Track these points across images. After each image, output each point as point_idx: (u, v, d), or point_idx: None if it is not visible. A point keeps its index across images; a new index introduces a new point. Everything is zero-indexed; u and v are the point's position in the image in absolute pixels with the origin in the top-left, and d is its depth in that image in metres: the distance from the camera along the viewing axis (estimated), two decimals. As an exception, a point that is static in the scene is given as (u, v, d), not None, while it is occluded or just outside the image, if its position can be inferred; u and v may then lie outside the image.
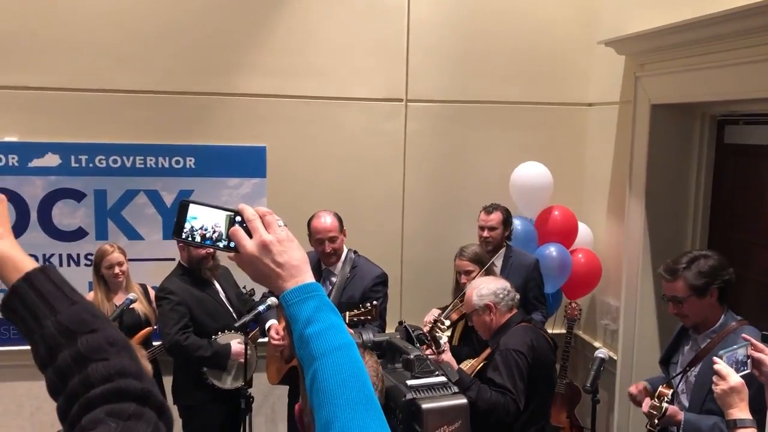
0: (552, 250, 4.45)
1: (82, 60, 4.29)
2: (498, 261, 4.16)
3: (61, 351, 0.93)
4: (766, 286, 3.76)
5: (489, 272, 3.81)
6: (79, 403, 0.90)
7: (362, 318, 3.47)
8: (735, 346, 2.25)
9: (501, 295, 3.12)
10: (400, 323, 3.92)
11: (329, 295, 3.84)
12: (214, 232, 1.20)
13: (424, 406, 1.43)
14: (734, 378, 2.09)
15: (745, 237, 3.89)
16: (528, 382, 2.88)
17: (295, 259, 1.16)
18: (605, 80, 4.65)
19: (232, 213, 1.20)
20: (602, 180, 4.70)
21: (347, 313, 3.53)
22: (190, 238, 1.20)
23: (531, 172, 4.58)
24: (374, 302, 3.59)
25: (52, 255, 4.38)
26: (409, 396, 1.45)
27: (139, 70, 4.36)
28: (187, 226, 1.19)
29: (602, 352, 3.01)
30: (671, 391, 2.73)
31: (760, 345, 2.20)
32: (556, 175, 4.61)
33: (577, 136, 4.92)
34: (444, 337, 2.89)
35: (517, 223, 4.44)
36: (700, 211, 4.14)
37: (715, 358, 2.18)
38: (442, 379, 1.53)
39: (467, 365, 3.13)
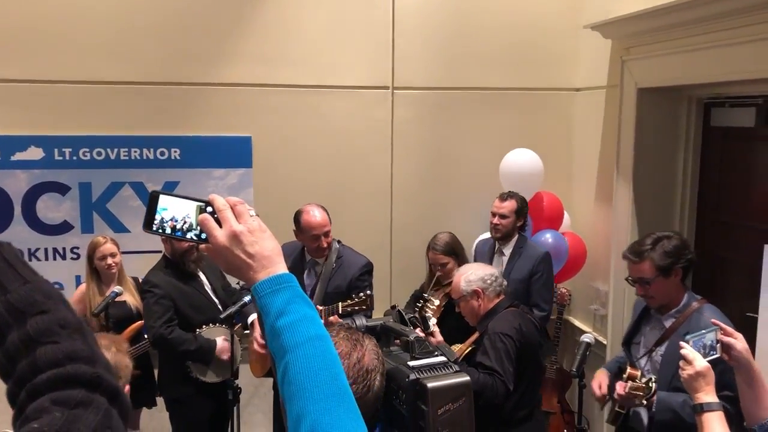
0: (548, 236, 4.44)
1: (64, 52, 4.23)
2: (507, 250, 4.12)
3: (9, 332, 0.89)
4: (753, 268, 3.76)
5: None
6: (26, 389, 0.86)
7: (356, 308, 3.45)
8: (703, 331, 2.26)
9: (489, 281, 3.11)
10: (393, 307, 3.92)
11: (315, 286, 3.83)
12: (185, 222, 1.17)
13: (430, 385, 1.45)
14: (700, 362, 2.10)
15: (733, 219, 3.90)
16: (516, 366, 2.88)
17: (267, 250, 1.13)
18: (592, 65, 4.64)
19: (203, 203, 1.17)
20: (590, 165, 4.70)
21: (340, 303, 3.50)
22: (160, 230, 1.17)
23: (521, 159, 4.56)
24: (368, 292, 3.56)
25: (38, 249, 4.34)
26: (413, 376, 1.48)
27: (123, 61, 4.31)
28: (158, 217, 1.17)
29: (588, 337, 3.02)
30: (639, 372, 2.77)
31: (729, 329, 2.21)
32: (545, 160, 4.60)
33: (564, 121, 4.91)
34: (433, 318, 2.89)
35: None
36: (687, 194, 4.15)
37: (682, 343, 2.20)
38: (442, 359, 1.56)
39: (455, 350, 3.12)
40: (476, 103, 4.80)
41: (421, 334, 2.81)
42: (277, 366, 1.05)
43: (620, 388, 2.72)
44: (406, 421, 1.49)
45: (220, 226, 1.12)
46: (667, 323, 2.85)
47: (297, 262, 3.92)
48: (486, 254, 4.26)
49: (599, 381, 2.99)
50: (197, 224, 1.16)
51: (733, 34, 3.30)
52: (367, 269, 3.91)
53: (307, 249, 3.87)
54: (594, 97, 4.64)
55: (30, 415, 0.82)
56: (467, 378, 1.50)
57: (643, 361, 2.90)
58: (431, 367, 1.52)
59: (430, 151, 4.80)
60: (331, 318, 3.56)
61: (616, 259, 4.32)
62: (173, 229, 1.17)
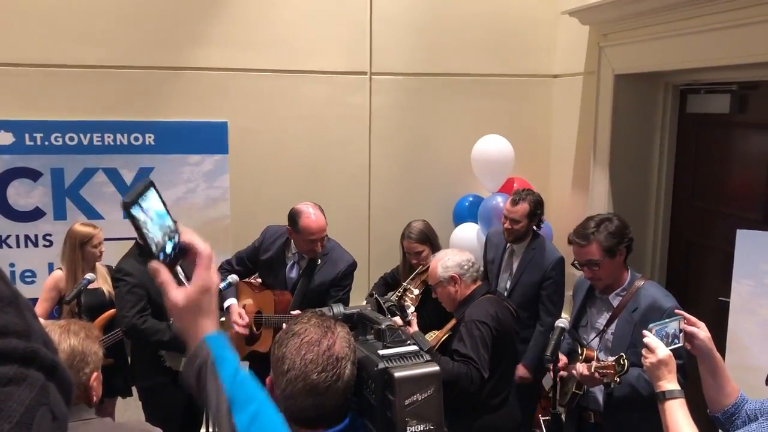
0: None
1: (35, 34, 4.14)
2: (520, 250, 3.96)
3: None
4: (727, 254, 3.79)
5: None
6: None
7: (333, 304, 3.39)
8: (666, 320, 2.29)
9: (465, 267, 3.10)
10: (371, 294, 3.88)
11: (297, 281, 3.78)
12: (164, 231, 1.18)
13: (397, 374, 1.43)
14: (662, 351, 2.13)
15: (708, 206, 3.92)
16: (492, 353, 2.88)
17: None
18: (570, 51, 4.63)
19: (174, 224, 1.20)
20: (567, 151, 4.71)
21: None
22: (138, 219, 1.12)
23: (491, 145, 4.55)
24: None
25: (9, 236, 4.27)
26: (381, 365, 1.45)
27: (96, 44, 4.23)
28: (143, 205, 1.13)
29: (562, 322, 3.02)
30: (594, 352, 2.83)
31: (693, 318, 2.24)
32: (521, 147, 4.60)
33: (542, 107, 4.91)
34: (411, 307, 2.87)
35: (499, 201, 4.35)
36: (663, 180, 4.17)
37: (645, 332, 2.23)
38: (414, 348, 1.53)
39: (431, 336, 3.12)
40: (454, 89, 4.78)
41: (399, 322, 2.81)
42: (237, 408, 1.15)
43: (583, 368, 2.76)
44: (375, 411, 1.47)
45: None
46: (615, 302, 2.94)
47: (280, 251, 3.85)
48: (496, 247, 4.11)
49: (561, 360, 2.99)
50: (174, 245, 1.21)
51: (709, 20, 3.31)
52: (352, 269, 3.83)
53: (299, 248, 3.76)
54: (571, 83, 4.64)
55: None
56: (436, 368, 1.48)
57: (594, 343, 2.97)
58: (401, 356, 1.50)
59: (409, 137, 4.78)
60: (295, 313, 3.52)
61: (592, 246, 4.33)
62: (144, 227, 1.13)
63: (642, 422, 2.70)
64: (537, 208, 3.87)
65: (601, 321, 2.97)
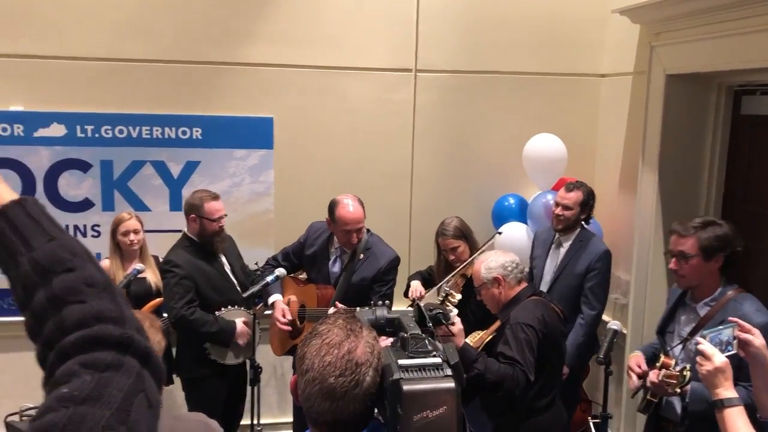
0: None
1: (88, 28, 4.23)
2: (566, 242, 3.98)
3: (36, 291, 0.85)
4: (780, 259, 3.70)
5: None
6: (54, 351, 0.82)
7: (377, 306, 3.37)
8: (720, 327, 2.26)
9: (509, 268, 3.07)
10: (413, 301, 3.88)
11: (340, 275, 3.79)
12: None
13: (405, 388, 1.33)
14: (719, 358, 2.09)
15: (760, 210, 3.82)
16: (538, 356, 2.85)
17: None
18: (619, 50, 4.55)
19: None
20: (614, 152, 4.63)
21: (357, 309, 3.42)
22: None
23: (545, 144, 4.49)
24: (387, 303, 3.48)
25: (59, 226, 4.35)
26: (396, 376, 1.36)
27: (146, 38, 4.30)
28: None
29: (615, 324, 2.99)
30: (673, 360, 2.72)
31: (747, 326, 2.19)
32: (568, 146, 4.54)
33: (589, 107, 4.84)
34: (454, 310, 2.85)
35: (550, 198, 4.29)
36: (714, 183, 4.07)
37: (699, 338, 2.19)
38: (436, 360, 1.41)
39: (476, 337, 3.10)
40: (500, 87, 4.74)
41: (443, 330, 2.76)
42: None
43: (653, 375, 2.68)
44: (388, 424, 1.40)
45: None
46: (702, 312, 2.80)
47: (324, 246, 3.89)
48: (545, 243, 4.11)
49: (637, 361, 2.94)
50: None
51: (766, 19, 3.22)
52: (395, 264, 3.85)
53: (338, 239, 3.81)
54: (620, 83, 4.56)
55: (59, 379, 0.79)
56: (452, 385, 1.36)
57: (677, 350, 2.86)
58: (420, 367, 1.38)
59: (452, 134, 4.75)
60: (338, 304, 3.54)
61: (639, 248, 4.26)
62: None
63: None
64: (590, 198, 3.93)
65: (687, 329, 2.86)
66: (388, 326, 1.66)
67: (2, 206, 0.89)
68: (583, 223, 3.99)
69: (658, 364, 2.68)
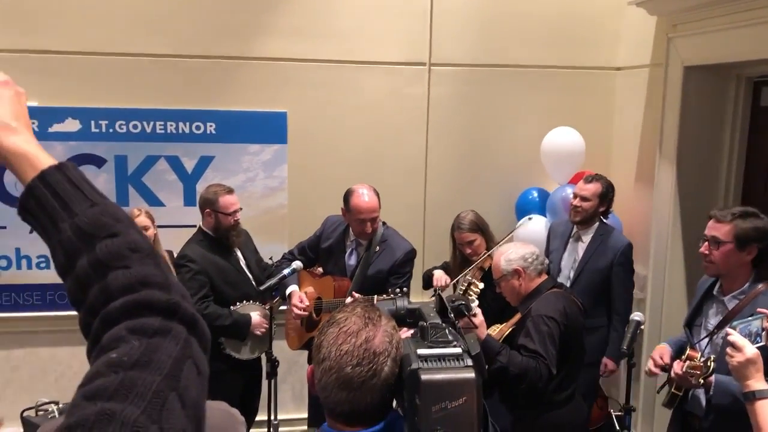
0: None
1: (102, 24, 4.22)
2: (586, 237, 3.95)
3: (79, 257, 0.83)
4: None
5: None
6: (100, 317, 0.80)
7: (398, 297, 3.37)
8: (749, 318, 2.22)
9: (530, 260, 3.04)
10: (436, 290, 3.87)
11: (356, 267, 3.78)
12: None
13: (424, 377, 1.29)
14: (750, 349, 2.06)
15: (780, 203, 3.78)
16: (559, 348, 2.82)
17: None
18: (635, 43, 4.51)
19: None
20: (631, 145, 4.59)
21: (375, 297, 3.44)
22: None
23: (563, 138, 4.46)
24: (404, 289, 3.50)
25: (74, 221, 4.36)
26: (414, 366, 1.32)
27: (160, 33, 4.29)
28: None
29: (638, 315, 2.95)
30: (699, 353, 2.68)
31: None
32: (584, 140, 4.50)
33: (604, 100, 4.80)
34: (476, 300, 2.82)
35: (569, 192, 4.26)
36: (732, 176, 4.03)
37: (729, 329, 2.16)
38: (457, 350, 1.36)
39: (495, 330, 3.07)
40: (514, 80, 4.71)
41: (465, 322, 2.74)
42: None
43: (678, 367, 2.64)
44: (407, 414, 1.36)
45: None
46: (731, 305, 2.73)
47: (340, 239, 3.88)
48: (563, 236, 4.08)
49: (660, 352, 2.90)
50: None
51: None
52: (411, 256, 3.83)
53: (352, 229, 3.80)
54: (637, 75, 4.52)
55: (106, 345, 0.77)
56: (472, 375, 1.31)
57: (704, 343, 2.80)
58: (440, 357, 1.34)
59: (466, 129, 4.72)
60: (354, 296, 3.54)
61: (656, 242, 4.23)
62: None
63: None
64: (609, 190, 3.91)
65: (714, 322, 2.80)
66: (409, 317, 1.63)
67: (42, 172, 0.88)
68: (602, 217, 3.95)
69: (683, 357, 2.64)
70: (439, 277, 3.96)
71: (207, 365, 0.82)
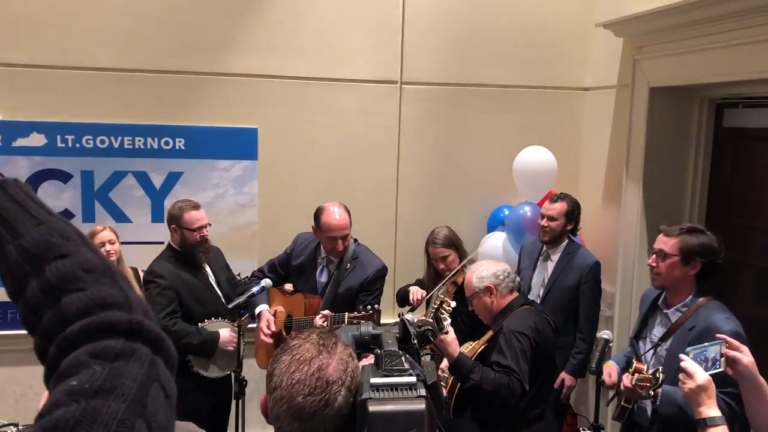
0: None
1: (69, 37, 4.16)
2: (555, 255, 3.99)
3: (29, 282, 0.78)
4: (764, 270, 3.73)
5: (467, 265, 3.72)
6: (56, 344, 0.75)
7: (362, 321, 3.36)
8: (706, 344, 2.24)
9: (501, 277, 3.05)
10: (399, 316, 3.86)
11: (327, 284, 3.75)
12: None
13: (371, 408, 1.25)
14: (701, 375, 2.07)
15: (744, 222, 3.86)
16: (531, 365, 2.83)
17: None
18: (603, 63, 4.59)
19: None
20: (598, 165, 4.66)
21: (347, 314, 3.42)
22: None
23: (535, 157, 4.50)
24: (376, 307, 3.49)
25: (38, 237, 4.26)
26: (365, 395, 1.29)
27: (128, 48, 4.24)
28: None
29: (606, 333, 2.98)
30: (645, 365, 2.73)
31: (735, 343, 2.18)
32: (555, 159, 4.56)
33: (573, 120, 4.87)
34: (448, 318, 2.82)
35: (527, 210, 4.35)
36: (697, 195, 4.12)
37: (682, 356, 2.18)
38: (411, 379, 1.32)
39: (468, 347, 3.07)
40: (485, 100, 4.76)
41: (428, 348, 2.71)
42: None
43: (627, 380, 2.69)
44: None
45: None
46: (674, 318, 2.83)
47: (311, 256, 3.86)
48: (532, 255, 4.13)
49: (608, 371, 2.97)
50: None
51: (748, 33, 3.27)
52: (382, 273, 3.82)
53: (323, 247, 3.78)
54: (604, 96, 4.60)
55: (65, 371, 0.72)
56: (421, 407, 1.27)
57: (648, 356, 2.89)
58: (392, 387, 1.30)
59: (437, 147, 4.75)
60: (325, 312, 3.51)
61: (623, 260, 4.28)
62: None
63: None
64: (574, 209, 3.96)
65: (657, 334, 2.89)
66: (373, 342, 1.56)
67: None
68: (570, 235, 4.00)
69: (631, 370, 2.69)
70: (416, 291, 3.96)
71: (174, 387, 0.78)
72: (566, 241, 3.99)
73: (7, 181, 0.84)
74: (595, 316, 3.96)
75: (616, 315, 4.35)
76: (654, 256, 2.84)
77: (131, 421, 0.68)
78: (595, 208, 4.68)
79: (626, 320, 4.25)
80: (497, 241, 4.53)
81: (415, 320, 1.74)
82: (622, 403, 2.80)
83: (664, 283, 2.86)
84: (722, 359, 2.19)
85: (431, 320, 2.09)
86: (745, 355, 2.16)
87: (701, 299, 2.78)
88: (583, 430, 3.27)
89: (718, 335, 2.27)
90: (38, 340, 0.79)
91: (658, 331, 2.91)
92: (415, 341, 1.59)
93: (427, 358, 2.79)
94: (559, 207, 3.93)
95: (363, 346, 1.54)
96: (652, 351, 2.88)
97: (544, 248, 4.06)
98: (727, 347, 2.19)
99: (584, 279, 3.87)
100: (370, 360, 1.49)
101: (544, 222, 3.95)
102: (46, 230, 0.81)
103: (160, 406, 0.72)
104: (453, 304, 2.91)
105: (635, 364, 2.72)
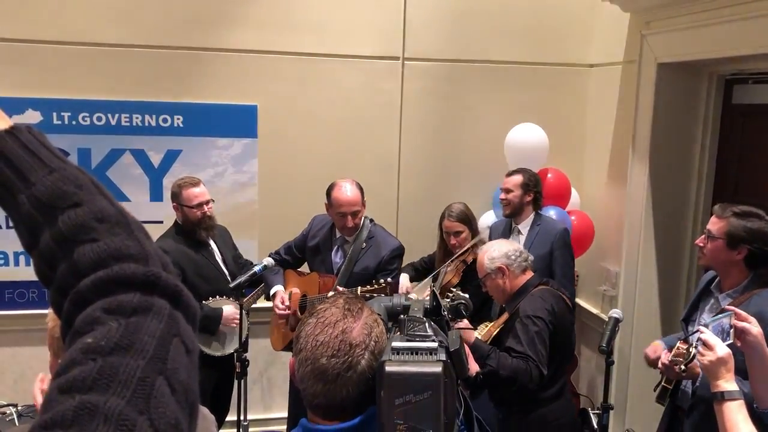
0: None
1: (66, 12, 4.05)
2: (524, 228, 3.99)
3: (42, 232, 0.74)
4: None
5: (477, 245, 3.69)
6: (69, 299, 0.71)
7: (374, 295, 3.32)
8: (720, 315, 2.21)
9: (513, 257, 3.00)
10: (431, 287, 3.84)
11: (342, 265, 3.70)
12: None
13: (387, 369, 1.26)
14: (721, 348, 2.04)
15: (751, 200, 3.80)
16: (549, 347, 2.79)
17: None
18: (609, 40, 4.52)
19: None
20: (603, 142, 4.60)
21: (359, 288, 3.39)
22: None
23: (525, 134, 4.45)
24: (389, 279, 3.45)
25: (34, 217, 4.19)
26: (384, 357, 1.30)
27: (126, 23, 4.14)
28: None
29: (616, 312, 2.93)
30: (688, 346, 2.67)
31: (743, 314, 2.15)
32: (555, 137, 4.50)
33: (577, 97, 4.80)
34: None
35: None
36: (704, 174, 4.07)
37: (701, 327, 2.14)
38: (432, 344, 1.31)
39: (483, 330, 3.02)
40: (488, 76, 4.68)
41: (460, 324, 2.66)
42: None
43: (664, 357, 2.64)
44: (377, 408, 1.31)
45: None
46: (724, 303, 2.72)
47: (327, 236, 3.82)
48: (504, 234, 4.09)
49: (654, 347, 2.89)
50: None
51: (759, 6, 3.21)
52: (398, 253, 3.78)
53: (335, 223, 3.75)
54: (609, 73, 4.53)
55: (80, 329, 0.68)
56: (437, 369, 1.26)
57: (694, 338, 2.80)
58: (412, 350, 1.30)
59: (440, 124, 4.68)
60: (339, 288, 3.48)
61: (628, 239, 4.24)
62: None
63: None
64: (530, 179, 3.97)
65: (706, 318, 2.77)
66: (404, 312, 1.56)
67: None
68: (537, 211, 4.03)
69: (674, 348, 2.64)
70: (403, 284, 3.91)
71: (196, 342, 0.73)
72: (533, 213, 4.01)
73: (19, 128, 0.79)
74: (572, 277, 3.98)
75: (620, 294, 4.31)
76: (703, 236, 2.77)
77: (151, 378, 0.64)
78: (600, 186, 4.63)
79: (631, 300, 4.22)
80: (491, 219, 4.48)
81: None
82: (663, 383, 2.75)
83: (707, 264, 2.81)
84: (731, 331, 2.17)
85: (464, 295, 2.06)
86: (754, 326, 2.13)
87: (757, 290, 2.64)
88: (591, 410, 3.24)
89: (726, 307, 2.24)
90: (53, 294, 0.75)
91: (708, 315, 2.81)
92: (446, 313, 1.56)
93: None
94: (515, 180, 3.97)
95: (394, 316, 1.54)
96: (697, 333, 2.81)
97: (513, 225, 4.06)
98: (735, 318, 2.16)
99: (556, 245, 3.87)
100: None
101: (502, 195, 4.00)
102: (58, 178, 0.77)
103: (181, 363, 0.68)
104: (456, 282, 2.86)
105: (678, 343, 2.66)
